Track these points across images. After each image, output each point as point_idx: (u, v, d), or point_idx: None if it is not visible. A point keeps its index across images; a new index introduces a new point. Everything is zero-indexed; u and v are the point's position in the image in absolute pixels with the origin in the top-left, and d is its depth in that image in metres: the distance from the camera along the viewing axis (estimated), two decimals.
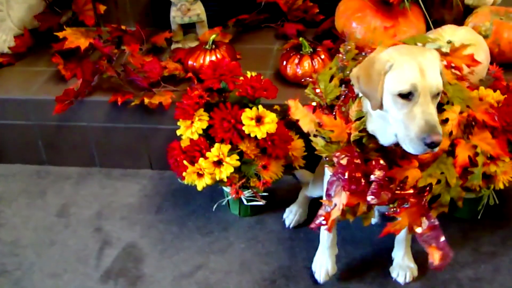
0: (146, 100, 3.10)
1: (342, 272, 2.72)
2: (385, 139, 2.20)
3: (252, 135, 2.67)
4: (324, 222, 2.33)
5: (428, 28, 3.30)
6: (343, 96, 2.38)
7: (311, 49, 3.18)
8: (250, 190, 2.80)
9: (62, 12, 3.75)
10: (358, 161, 2.21)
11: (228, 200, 3.03)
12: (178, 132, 2.78)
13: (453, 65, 2.49)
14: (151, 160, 3.40)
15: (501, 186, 2.63)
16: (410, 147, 2.06)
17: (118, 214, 3.13)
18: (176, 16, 3.54)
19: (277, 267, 2.77)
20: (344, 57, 2.49)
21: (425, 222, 2.29)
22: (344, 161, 2.21)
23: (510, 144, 2.59)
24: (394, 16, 3.27)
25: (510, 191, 2.95)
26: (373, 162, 2.21)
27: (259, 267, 2.78)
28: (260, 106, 2.71)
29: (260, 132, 2.66)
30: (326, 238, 2.64)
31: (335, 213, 2.29)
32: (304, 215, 2.96)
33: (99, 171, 3.45)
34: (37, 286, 2.74)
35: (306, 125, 2.43)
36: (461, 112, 2.29)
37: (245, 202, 2.86)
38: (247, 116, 2.66)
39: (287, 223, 2.97)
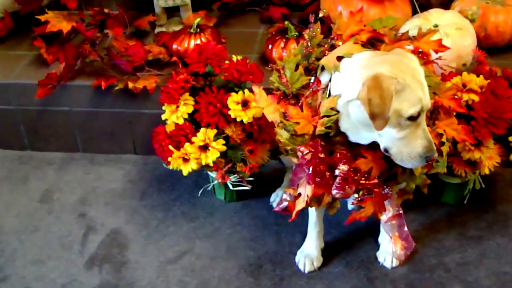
0: (130, 84, 3.07)
1: (329, 257, 2.71)
2: (358, 139, 2.19)
3: (238, 119, 2.64)
4: (285, 206, 2.35)
5: (415, 12, 3.29)
6: (310, 89, 2.30)
7: (296, 33, 3.15)
8: (236, 175, 2.79)
9: None
10: (322, 155, 2.19)
11: (213, 185, 3.01)
12: (163, 117, 2.75)
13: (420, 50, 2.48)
14: (135, 145, 3.37)
15: (487, 172, 2.65)
16: (408, 163, 2.10)
17: (102, 200, 3.10)
18: None
19: (263, 252, 2.76)
20: (309, 44, 2.43)
21: (390, 210, 2.29)
22: (308, 156, 2.19)
23: (493, 134, 2.60)
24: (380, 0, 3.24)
25: (496, 176, 2.98)
26: (338, 155, 2.19)
27: (245, 252, 2.77)
28: (246, 90, 2.68)
29: (246, 117, 2.64)
30: (313, 229, 2.66)
31: (300, 205, 2.28)
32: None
33: (82, 157, 3.41)
34: (20, 273, 2.71)
35: (270, 114, 2.41)
36: None
37: (231, 187, 2.85)
38: (233, 100, 2.64)
39: (274, 205, 2.96)
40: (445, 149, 2.25)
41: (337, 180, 2.19)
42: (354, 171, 2.19)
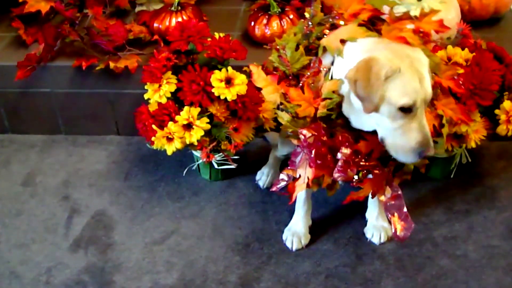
0: (112, 64, 3.04)
1: (317, 234, 2.70)
2: (360, 125, 2.17)
3: (222, 97, 2.61)
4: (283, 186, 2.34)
5: None
6: (312, 70, 2.29)
7: (279, 9, 3.13)
8: (221, 154, 2.76)
9: None
10: (324, 138, 2.18)
11: (198, 164, 2.99)
12: (146, 96, 2.72)
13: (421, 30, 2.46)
14: (118, 125, 3.33)
15: (473, 145, 2.64)
16: (401, 157, 2.07)
17: (85, 182, 3.07)
18: None
19: (250, 231, 2.75)
20: (309, 22, 2.40)
21: (388, 191, 2.28)
22: (311, 140, 2.18)
23: (480, 106, 2.59)
24: None
25: (482, 150, 2.98)
26: (340, 137, 2.17)
27: (232, 231, 2.75)
28: (229, 68, 2.65)
29: (230, 94, 2.61)
30: (301, 207, 2.65)
31: (300, 187, 2.26)
32: (276, 176, 2.93)
33: (64, 139, 3.37)
34: (4, 257, 2.68)
35: (270, 94, 2.38)
36: None
37: (216, 166, 2.83)
38: (217, 78, 2.61)
39: (260, 184, 2.96)
40: (445, 130, 2.24)
41: (339, 163, 2.18)
42: (355, 154, 2.17)
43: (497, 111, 2.63)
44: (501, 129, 2.65)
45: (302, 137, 2.20)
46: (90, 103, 3.26)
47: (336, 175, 2.19)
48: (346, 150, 2.16)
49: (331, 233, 2.72)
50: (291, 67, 2.35)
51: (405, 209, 2.33)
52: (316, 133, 2.17)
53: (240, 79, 2.62)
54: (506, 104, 2.62)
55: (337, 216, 2.79)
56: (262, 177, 2.96)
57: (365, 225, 2.70)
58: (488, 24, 3.27)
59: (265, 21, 3.11)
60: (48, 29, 3.20)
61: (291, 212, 2.74)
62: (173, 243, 2.71)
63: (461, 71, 2.57)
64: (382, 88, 1.98)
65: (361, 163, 2.19)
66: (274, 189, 2.36)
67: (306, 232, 2.68)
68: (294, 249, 2.65)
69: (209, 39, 2.75)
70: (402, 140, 2.03)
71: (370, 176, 2.25)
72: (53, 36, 3.17)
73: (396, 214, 2.33)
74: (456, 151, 2.77)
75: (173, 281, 2.56)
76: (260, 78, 2.44)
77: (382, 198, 2.28)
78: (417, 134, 2.01)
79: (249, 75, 2.65)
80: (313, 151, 2.18)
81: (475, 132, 2.62)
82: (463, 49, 2.67)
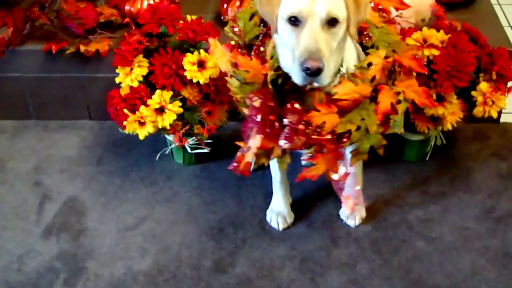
0: (82, 48, 3.00)
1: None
2: (289, 69, 2.14)
3: (195, 80, 2.59)
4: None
5: None
6: (261, 36, 2.33)
7: None
8: (194, 138, 2.75)
9: None
10: (272, 103, 2.15)
11: (171, 149, 2.96)
12: (117, 80, 2.69)
13: (380, 7, 2.44)
14: (89, 110, 3.29)
15: (449, 127, 2.65)
16: (294, 76, 2.02)
17: (57, 167, 3.03)
18: None
19: (224, 215, 2.74)
20: None
21: (342, 169, 2.25)
22: (257, 103, 2.15)
23: (456, 88, 2.59)
24: None
25: (457, 132, 2.98)
26: (288, 106, 2.15)
27: (206, 216, 2.74)
28: (201, 51, 2.63)
29: (202, 78, 2.59)
30: (279, 188, 2.64)
31: (249, 156, 2.23)
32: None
33: (35, 124, 3.32)
34: None
35: (224, 65, 2.36)
36: (386, 57, 2.21)
37: (189, 150, 2.82)
38: (189, 61, 2.58)
39: None
40: (401, 107, 2.19)
41: (286, 129, 2.14)
42: (306, 124, 2.14)
43: (473, 93, 2.63)
44: (478, 111, 2.65)
45: (248, 101, 2.17)
46: (61, 87, 3.22)
47: (282, 142, 2.15)
48: (292, 116, 2.13)
49: (306, 216, 2.71)
50: (244, 36, 2.37)
51: (358, 187, 2.32)
52: (262, 97, 2.15)
53: (212, 62, 2.60)
54: (483, 85, 2.62)
55: (311, 199, 2.78)
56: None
57: (340, 208, 2.69)
58: (461, 6, 3.26)
59: (238, 3, 3.08)
60: (17, 12, 3.15)
61: (265, 196, 2.74)
62: (147, 228, 2.69)
63: (436, 53, 2.56)
64: (278, 6, 2.03)
65: (313, 137, 2.16)
66: (230, 167, 2.31)
67: (289, 211, 2.68)
68: (280, 228, 2.65)
69: (181, 22, 2.73)
70: (293, 56, 2.00)
71: (323, 151, 2.22)
72: (22, 19, 3.12)
73: (348, 193, 2.31)
74: (432, 133, 2.77)
75: (147, 266, 2.54)
76: (217, 49, 2.42)
77: (334, 176, 2.25)
78: (301, 46, 1.97)
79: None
80: (259, 116, 2.15)
81: (452, 114, 2.62)
82: (438, 31, 2.66)
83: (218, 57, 2.39)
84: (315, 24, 1.97)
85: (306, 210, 2.73)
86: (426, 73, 2.38)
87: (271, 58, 2.21)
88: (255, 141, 2.19)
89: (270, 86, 2.17)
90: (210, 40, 2.44)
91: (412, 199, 2.78)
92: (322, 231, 2.65)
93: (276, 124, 2.15)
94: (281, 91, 2.19)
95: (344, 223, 2.66)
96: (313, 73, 1.94)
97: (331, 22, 1.99)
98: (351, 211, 2.54)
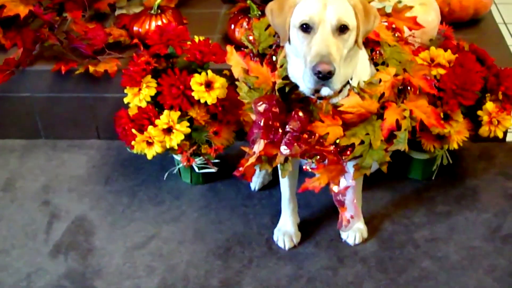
0: (91, 68, 3.02)
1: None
2: (301, 83, 2.17)
3: (202, 101, 2.61)
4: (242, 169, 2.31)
5: None
6: (274, 45, 2.37)
7: (259, 12, 3.11)
8: (201, 157, 2.76)
9: None
10: (276, 109, 2.17)
11: (179, 168, 2.97)
12: (126, 100, 2.71)
13: (394, 26, 2.45)
14: (98, 130, 3.31)
15: (455, 146, 2.65)
16: (306, 81, 2.05)
17: (66, 186, 3.05)
18: None
19: (232, 235, 2.74)
20: None
21: (343, 182, 2.26)
22: (261, 108, 2.18)
23: (462, 106, 2.60)
24: None
25: (463, 151, 2.98)
26: (292, 113, 2.17)
27: (213, 235, 2.74)
28: (209, 71, 2.65)
29: (210, 98, 2.60)
30: (287, 206, 2.65)
31: (251, 160, 2.26)
32: (267, 177, 2.96)
33: (44, 143, 3.34)
34: None
35: (237, 71, 2.39)
36: (396, 75, 2.24)
37: (196, 170, 2.83)
38: (196, 81, 2.60)
39: (252, 186, 2.95)
40: (405, 123, 2.20)
41: (287, 136, 2.18)
42: (310, 134, 2.16)
43: (479, 112, 2.63)
44: (484, 131, 2.66)
45: (254, 106, 2.20)
46: (70, 107, 3.24)
47: (282, 148, 2.18)
48: (295, 123, 2.16)
49: (313, 236, 2.71)
50: (257, 45, 2.43)
51: (355, 201, 2.33)
52: (267, 102, 2.17)
53: (220, 82, 2.62)
54: (489, 105, 2.63)
55: (318, 219, 2.78)
56: (253, 178, 2.94)
57: None
58: (467, 26, 3.28)
59: (245, 24, 3.09)
60: (26, 33, 3.18)
61: (272, 215, 2.75)
62: (154, 247, 2.70)
63: (443, 72, 2.58)
64: (290, 15, 2.08)
65: (316, 147, 2.18)
66: (235, 173, 2.33)
67: (296, 231, 2.69)
68: (287, 248, 2.66)
69: (188, 43, 2.75)
70: (305, 61, 2.04)
71: (325, 162, 2.24)
72: (32, 40, 3.15)
73: (346, 206, 2.32)
74: (438, 153, 2.77)
75: (154, 286, 2.54)
76: (232, 56, 2.44)
77: (335, 188, 2.27)
78: (313, 50, 2.00)
79: (229, 77, 2.66)
80: (262, 120, 2.17)
81: (458, 133, 2.63)
82: (445, 50, 2.67)
83: (233, 63, 2.41)
84: (326, 30, 2.01)
85: (313, 230, 2.74)
86: (435, 93, 2.40)
87: (281, 66, 2.25)
88: (259, 146, 2.21)
89: (277, 94, 2.20)
90: (228, 48, 2.46)
91: (418, 218, 2.78)
92: (328, 251, 2.65)
93: (280, 130, 2.18)
94: (288, 100, 2.22)
95: (344, 241, 2.68)
96: (325, 76, 1.98)
97: (341, 29, 2.03)
98: (346, 224, 2.53)
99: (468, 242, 2.67)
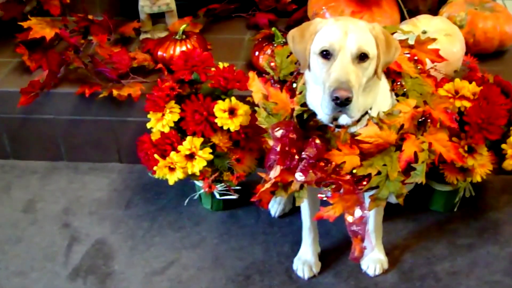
0: (115, 92, 3.03)
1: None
2: (319, 111, 2.17)
3: (225, 127, 2.61)
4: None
5: (403, 18, 3.27)
6: (295, 72, 2.39)
7: (283, 39, 3.11)
8: (223, 184, 2.75)
9: (26, 1, 3.64)
10: (293, 136, 2.17)
11: (200, 194, 2.97)
12: (149, 125, 2.72)
13: (416, 58, 2.45)
14: (120, 153, 3.32)
15: (479, 179, 2.63)
16: (324, 107, 2.04)
17: (86, 209, 3.05)
18: (144, 5, 3.46)
19: (251, 262, 2.72)
20: None
21: (357, 212, 2.24)
22: (278, 134, 2.18)
23: (487, 140, 2.58)
24: (368, 5, 3.22)
25: (486, 183, 2.96)
26: (310, 141, 2.17)
27: (233, 263, 2.73)
28: (233, 98, 2.66)
29: (233, 125, 2.61)
30: (307, 235, 2.64)
31: (267, 186, 2.25)
32: (288, 204, 2.94)
33: (66, 165, 3.36)
34: (3, 284, 2.66)
35: (258, 97, 2.39)
36: (417, 107, 2.22)
37: (217, 196, 2.82)
38: (220, 108, 2.61)
39: (272, 212, 2.94)
40: (422, 156, 2.19)
41: (303, 162, 2.17)
42: (326, 162, 2.15)
43: (503, 146, 2.61)
44: (508, 164, 2.63)
45: (271, 131, 2.20)
46: (92, 130, 3.25)
47: (297, 174, 2.17)
48: (311, 150, 2.15)
49: (333, 265, 2.70)
50: (278, 72, 2.45)
51: (368, 230, 2.32)
52: (284, 127, 2.17)
53: (243, 109, 2.63)
54: None
55: (338, 249, 2.76)
56: (274, 205, 2.94)
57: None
58: (492, 57, 3.26)
59: (269, 51, 3.10)
60: (52, 56, 3.21)
61: (292, 244, 2.73)
62: (173, 273, 2.69)
63: (468, 104, 2.56)
64: (311, 42, 2.09)
65: (332, 175, 2.17)
66: (253, 198, 2.33)
67: (316, 260, 2.67)
68: (306, 277, 2.64)
69: (213, 69, 2.75)
70: (324, 88, 2.03)
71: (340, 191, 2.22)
72: (57, 62, 3.18)
73: (359, 236, 2.30)
74: (461, 185, 2.75)
75: None
76: (254, 82, 2.44)
77: (349, 218, 2.25)
78: (331, 77, 2.00)
79: (252, 104, 2.65)
80: (278, 146, 2.17)
81: (481, 166, 2.61)
82: (470, 82, 2.66)
83: (254, 89, 2.41)
84: (345, 57, 2.01)
85: (333, 260, 2.72)
86: (456, 128, 2.38)
87: (300, 93, 2.25)
88: (275, 172, 2.21)
89: (295, 120, 2.20)
90: (250, 74, 2.46)
91: (439, 251, 2.75)
92: (348, 281, 2.63)
93: (296, 157, 2.17)
94: (306, 127, 2.21)
95: (364, 272, 2.66)
96: (342, 102, 1.97)
97: (361, 57, 2.03)
98: (360, 256, 2.50)
99: (489, 276, 2.64)
